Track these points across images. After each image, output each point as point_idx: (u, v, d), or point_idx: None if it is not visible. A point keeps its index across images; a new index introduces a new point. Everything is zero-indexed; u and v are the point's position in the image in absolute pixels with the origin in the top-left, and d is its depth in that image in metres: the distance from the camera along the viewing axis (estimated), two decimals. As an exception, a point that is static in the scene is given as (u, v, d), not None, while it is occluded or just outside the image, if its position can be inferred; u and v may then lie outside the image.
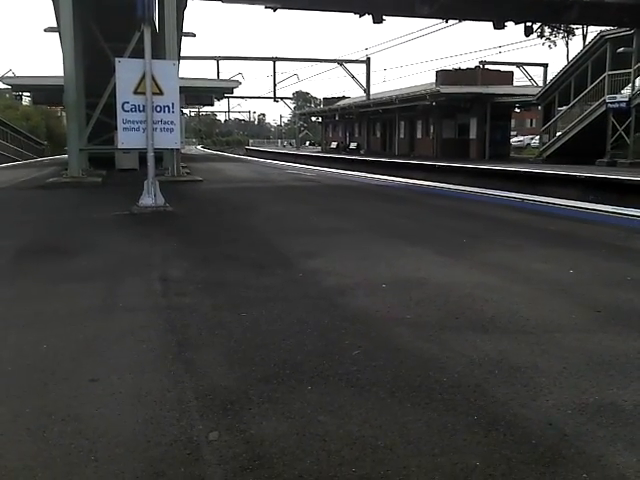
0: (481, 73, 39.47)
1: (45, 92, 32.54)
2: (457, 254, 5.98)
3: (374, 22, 18.95)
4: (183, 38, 21.83)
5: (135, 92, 9.27)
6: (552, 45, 52.75)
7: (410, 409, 2.62)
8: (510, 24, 18.79)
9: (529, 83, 40.80)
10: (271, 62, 51.23)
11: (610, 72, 25.12)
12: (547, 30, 47.90)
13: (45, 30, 23.51)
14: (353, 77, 47.25)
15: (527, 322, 3.83)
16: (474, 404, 2.66)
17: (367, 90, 46.49)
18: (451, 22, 21.41)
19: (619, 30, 24.09)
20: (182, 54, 22.55)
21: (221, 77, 46.34)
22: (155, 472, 2.13)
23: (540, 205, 10.20)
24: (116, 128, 9.70)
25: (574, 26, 43.87)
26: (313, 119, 74.56)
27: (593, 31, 34.39)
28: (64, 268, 5.39)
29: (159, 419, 2.51)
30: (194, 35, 25.83)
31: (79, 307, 4.15)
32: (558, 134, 28.36)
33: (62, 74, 14.12)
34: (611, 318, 3.94)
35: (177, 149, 13.57)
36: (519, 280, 4.97)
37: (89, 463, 2.18)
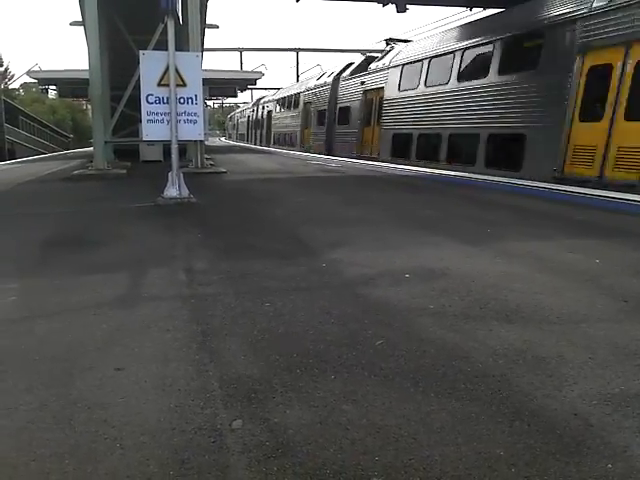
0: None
1: (70, 85, 33.06)
2: (481, 244, 5.93)
3: (397, 11, 18.87)
4: (206, 30, 21.91)
5: (159, 84, 9.30)
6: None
7: (434, 399, 2.61)
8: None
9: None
10: (294, 53, 51.22)
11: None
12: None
13: (70, 24, 23.74)
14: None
15: (552, 312, 3.79)
16: (498, 394, 2.65)
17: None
18: (475, 10, 21.21)
19: None
20: (205, 46, 22.62)
21: (244, 68, 46.53)
22: (180, 459, 2.15)
23: (567, 194, 10.07)
24: (140, 120, 9.76)
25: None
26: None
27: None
28: (89, 259, 5.45)
29: (184, 407, 2.53)
30: (217, 27, 25.93)
31: (104, 297, 4.20)
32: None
33: (87, 67, 14.24)
34: (638, 308, 3.88)
35: (201, 141, 13.65)
36: (544, 270, 4.91)
37: (115, 450, 2.22)
